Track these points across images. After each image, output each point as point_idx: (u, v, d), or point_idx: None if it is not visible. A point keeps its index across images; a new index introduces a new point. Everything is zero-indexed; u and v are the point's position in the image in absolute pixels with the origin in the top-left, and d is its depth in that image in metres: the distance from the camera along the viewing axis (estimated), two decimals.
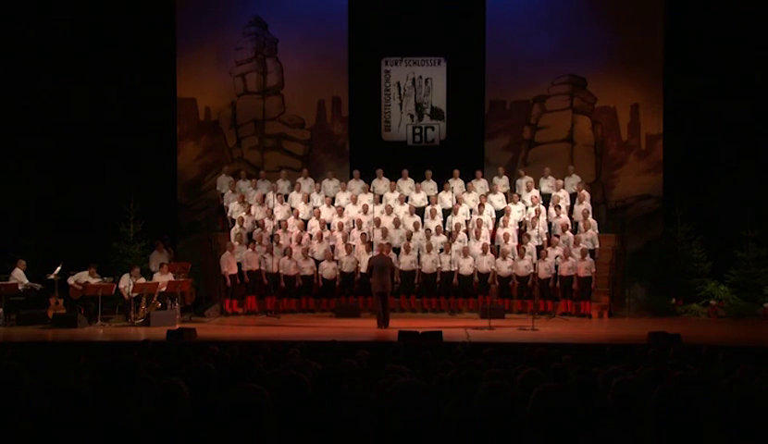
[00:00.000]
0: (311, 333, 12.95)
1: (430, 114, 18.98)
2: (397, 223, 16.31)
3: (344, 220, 16.49)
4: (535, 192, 16.68)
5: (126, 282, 14.69)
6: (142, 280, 14.85)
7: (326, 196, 17.04)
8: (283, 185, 17.49)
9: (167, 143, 18.82)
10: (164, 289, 14.84)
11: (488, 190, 17.16)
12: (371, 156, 18.16)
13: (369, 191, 17.14)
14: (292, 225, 16.49)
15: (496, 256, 15.73)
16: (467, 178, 17.26)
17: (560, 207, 16.36)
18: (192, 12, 18.98)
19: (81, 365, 6.76)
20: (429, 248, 15.82)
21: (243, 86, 19.07)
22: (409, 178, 17.29)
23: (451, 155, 18.11)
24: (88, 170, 17.88)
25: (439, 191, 17.07)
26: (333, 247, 16.16)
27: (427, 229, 16.21)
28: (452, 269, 15.73)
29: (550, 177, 17.14)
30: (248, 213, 16.62)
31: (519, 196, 16.82)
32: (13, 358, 8.30)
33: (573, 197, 16.89)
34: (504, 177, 17.47)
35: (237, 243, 15.85)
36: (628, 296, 16.53)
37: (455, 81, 18.82)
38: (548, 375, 5.29)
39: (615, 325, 15.11)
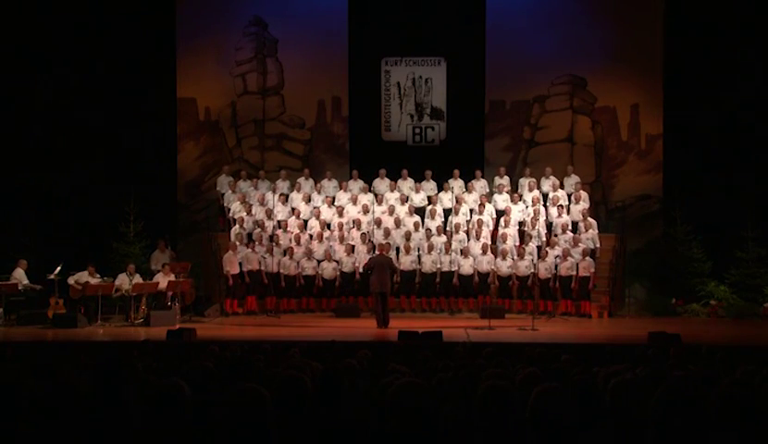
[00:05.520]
0: (311, 333, 12.96)
1: (430, 114, 18.97)
2: (397, 223, 16.31)
3: (344, 220, 16.50)
4: (536, 193, 16.68)
5: (121, 280, 14.69)
6: (140, 280, 14.85)
7: (326, 196, 17.04)
8: (283, 185, 17.48)
9: (167, 143, 18.82)
10: (164, 288, 14.84)
11: (487, 190, 17.17)
12: (371, 156, 18.16)
13: (368, 190, 17.14)
14: (293, 225, 16.50)
15: (496, 256, 15.74)
16: (467, 178, 17.25)
17: (562, 207, 16.37)
18: (192, 12, 18.97)
19: (81, 365, 6.76)
20: (430, 248, 15.83)
21: (243, 86, 19.06)
22: (409, 179, 17.29)
23: (451, 155, 18.11)
24: (88, 170, 17.87)
25: (439, 191, 17.07)
26: (333, 247, 16.17)
27: (428, 229, 16.21)
28: (452, 269, 15.74)
29: (551, 177, 17.13)
30: (249, 213, 16.63)
31: (520, 196, 16.83)
32: (13, 358, 8.31)
33: (572, 197, 16.88)
34: (506, 177, 17.47)
35: (237, 243, 15.86)
36: (628, 296, 16.53)
37: (455, 81, 18.81)
38: (548, 375, 5.28)
39: (615, 325, 15.11)
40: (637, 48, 18.33)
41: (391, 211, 16.55)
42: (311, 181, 17.48)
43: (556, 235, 15.95)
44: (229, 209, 17.03)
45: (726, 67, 17.68)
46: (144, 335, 12.62)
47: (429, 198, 17.00)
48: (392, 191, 17.08)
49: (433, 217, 16.56)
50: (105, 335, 13.52)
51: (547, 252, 15.52)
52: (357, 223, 16.36)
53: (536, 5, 18.81)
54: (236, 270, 15.61)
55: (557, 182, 16.96)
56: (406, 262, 15.79)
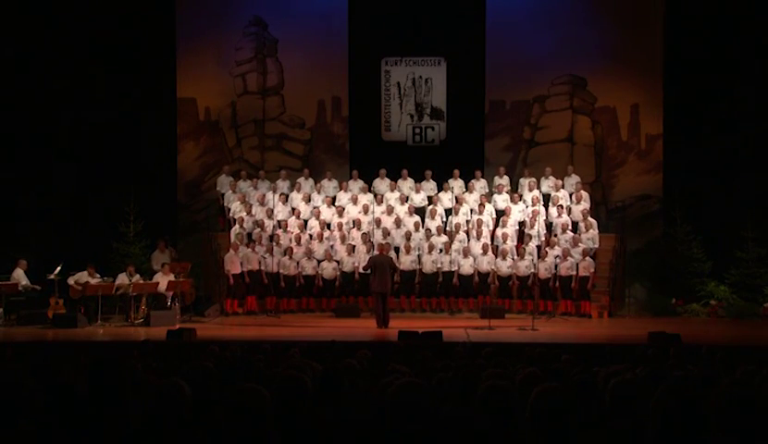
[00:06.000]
0: (311, 333, 12.96)
1: (430, 114, 18.97)
2: (398, 223, 16.31)
3: (344, 220, 16.50)
4: (536, 192, 16.68)
5: (121, 280, 14.70)
6: (140, 280, 14.85)
7: (326, 196, 17.04)
8: (283, 185, 17.48)
9: (167, 143, 18.81)
10: (164, 289, 14.85)
11: (487, 190, 17.17)
12: (371, 156, 18.16)
13: (368, 190, 17.15)
14: (293, 225, 16.51)
15: (496, 256, 15.74)
16: (467, 178, 17.25)
17: (562, 207, 16.37)
18: (192, 12, 18.96)
19: (82, 365, 6.76)
20: (430, 248, 15.82)
21: (243, 86, 19.06)
22: (409, 179, 17.29)
23: (451, 155, 18.10)
24: (88, 170, 17.87)
25: (439, 191, 17.06)
26: (333, 247, 16.18)
27: (428, 229, 16.21)
28: (453, 269, 15.74)
29: (551, 177, 17.13)
30: (249, 213, 16.63)
31: (520, 196, 16.83)
32: (13, 358, 8.32)
33: (572, 197, 16.88)
34: (505, 176, 17.48)
35: (239, 243, 15.86)
36: (628, 296, 16.54)
37: (455, 81, 18.80)
38: (548, 375, 5.28)
39: (615, 325, 15.11)
40: (638, 48, 18.32)
41: (391, 211, 16.55)
42: (311, 181, 17.48)
43: (556, 235, 15.96)
44: (229, 209, 17.03)
45: (726, 67, 17.67)
46: (144, 335, 12.61)
47: (429, 198, 17.00)
48: (392, 191, 17.08)
49: (433, 217, 16.56)
50: (105, 335, 13.52)
51: (547, 252, 15.53)
52: (357, 223, 16.36)
53: (536, 5, 18.80)
54: (237, 270, 15.61)
55: (558, 182, 16.94)
56: (406, 262, 15.79)
